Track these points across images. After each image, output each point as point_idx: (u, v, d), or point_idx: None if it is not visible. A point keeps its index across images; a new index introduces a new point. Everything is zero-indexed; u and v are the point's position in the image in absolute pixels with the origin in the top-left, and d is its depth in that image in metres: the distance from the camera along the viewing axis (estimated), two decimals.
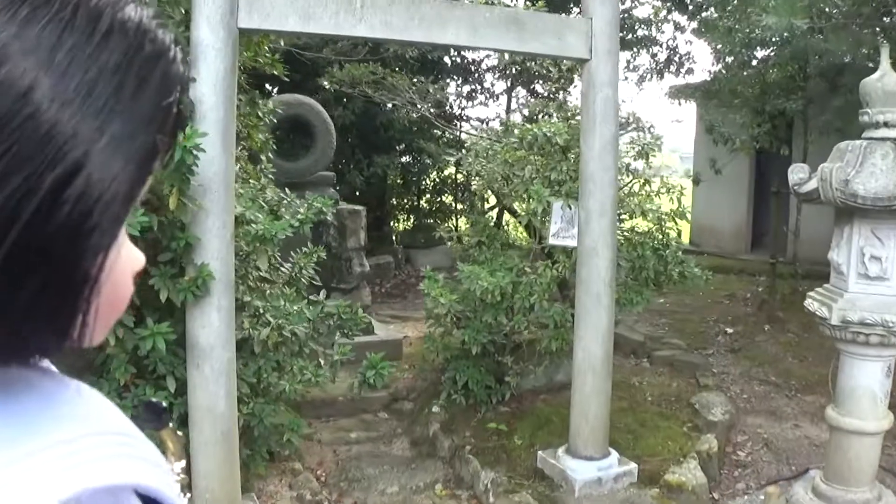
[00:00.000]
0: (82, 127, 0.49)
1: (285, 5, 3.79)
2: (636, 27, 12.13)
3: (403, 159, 12.74)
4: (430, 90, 8.45)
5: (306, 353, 4.64)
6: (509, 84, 12.93)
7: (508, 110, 12.75)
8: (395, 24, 3.99)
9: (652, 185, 5.29)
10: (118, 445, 0.55)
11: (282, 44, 6.56)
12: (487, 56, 12.61)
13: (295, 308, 4.24)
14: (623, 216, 5.12)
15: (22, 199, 0.47)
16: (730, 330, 8.01)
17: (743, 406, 6.06)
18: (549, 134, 4.86)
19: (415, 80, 9.31)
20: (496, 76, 13.07)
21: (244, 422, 4.20)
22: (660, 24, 12.23)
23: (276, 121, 5.45)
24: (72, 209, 0.49)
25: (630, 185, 5.26)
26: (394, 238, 12.85)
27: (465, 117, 13.15)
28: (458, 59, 12.87)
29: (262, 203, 4.44)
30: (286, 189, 7.18)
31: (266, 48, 5.07)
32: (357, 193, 11.81)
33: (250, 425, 4.25)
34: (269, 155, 5.44)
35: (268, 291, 4.54)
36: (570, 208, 4.73)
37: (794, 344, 7.47)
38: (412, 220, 13.53)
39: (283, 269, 4.86)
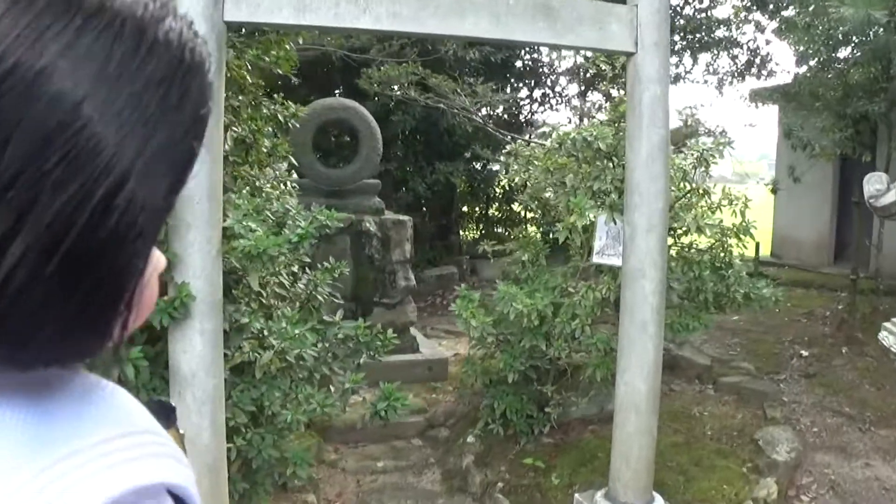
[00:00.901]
0: (130, 138, 0.49)
1: None
2: (714, 27, 11.15)
3: (472, 165, 12.09)
4: (479, 91, 7.79)
5: (317, 378, 4.10)
6: (582, 87, 12.18)
7: (582, 115, 11.99)
8: (405, 14, 3.41)
9: (712, 196, 4.51)
10: (150, 444, 0.56)
11: (296, 41, 5.99)
12: (563, 57, 11.89)
13: (296, 331, 3.69)
14: (679, 231, 4.36)
15: (77, 206, 0.47)
16: (805, 352, 7.06)
17: (812, 441, 5.20)
18: (589, 138, 4.16)
19: (472, 83, 8.71)
20: (569, 79, 12.34)
21: (241, 453, 3.69)
22: (740, 25, 11.22)
23: (297, 125, 4.93)
24: (121, 216, 0.49)
25: (687, 196, 4.49)
26: (461, 247, 12.23)
27: (535, 123, 12.42)
28: (530, 63, 12.18)
29: (269, 215, 3.92)
30: (329, 197, 6.72)
31: (287, 46, 4.56)
32: (421, 201, 11.28)
33: (249, 457, 3.73)
34: (293, 161, 4.94)
35: (280, 311, 4.02)
36: (615, 223, 4.03)
37: (872, 369, 6.49)
38: (480, 229, 12.87)
39: (299, 285, 4.33)
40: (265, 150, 4.20)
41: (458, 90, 7.57)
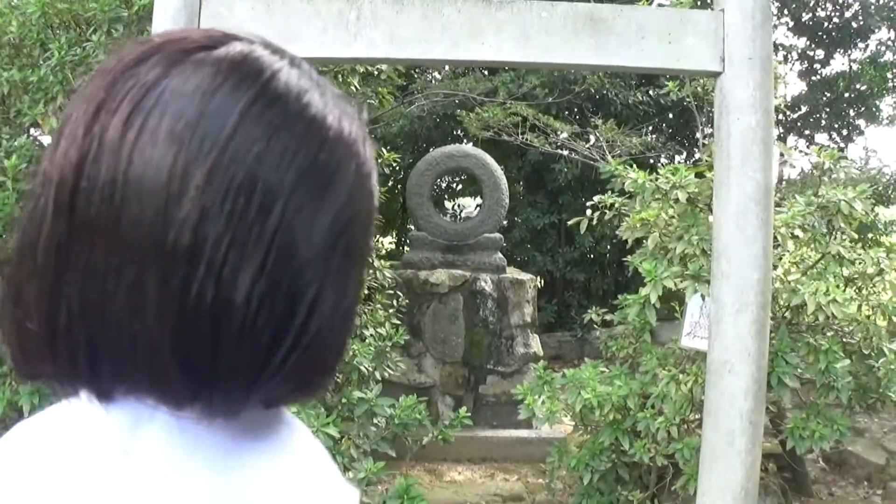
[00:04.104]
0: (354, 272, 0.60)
1: (259, 26, 2.77)
2: None
3: None
4: (580, 134, 6.76)
5: (341, 462, 3.48)
6: (782, 130, 10.59)
7: (783, 163, 10.39)
8: (405, 37, 2.77)
9: (859, 262, 3.26)
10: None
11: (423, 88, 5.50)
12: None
13: (293, 408, 3.10)
14: (802, 310, 3.17)
15: (353, 288, 0.60)
16: None
17: None
18: (664, 186, 3.18)
19: (638, 128, 7.73)
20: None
21: None
22: None
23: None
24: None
25: (819, 263, 3.28)
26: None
27: None
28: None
29: None
30: (446, 252, 6.13)
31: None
32: (592, 256, 10.33)
33: None
34: None
35: None
36: (703, 298, 3.04)
37: None
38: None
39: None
40: None
41: (596, 135, 6.68)
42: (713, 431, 2.84)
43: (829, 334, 3.24)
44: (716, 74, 2.81)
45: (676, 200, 3.20)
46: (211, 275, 0.51)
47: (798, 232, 3.60)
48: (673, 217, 3.37)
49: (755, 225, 2.77)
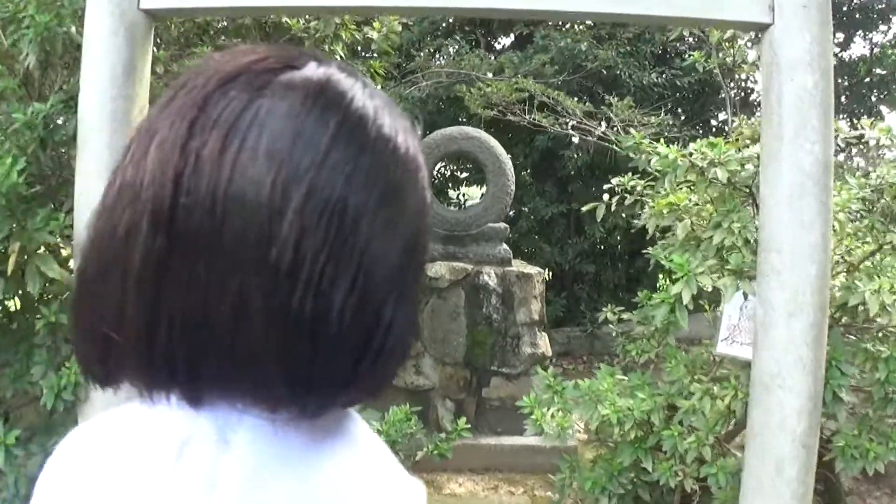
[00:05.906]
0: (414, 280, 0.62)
1: None
2: None
3: None
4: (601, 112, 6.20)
5: None
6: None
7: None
8: None
9: None
10: None
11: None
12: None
13: None
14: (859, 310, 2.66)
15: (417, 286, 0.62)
16: None
17: None
18: (699, 162, 2.67)
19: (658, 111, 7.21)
20: None
21: None
22: None
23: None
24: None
25: (877, 254, 2.78)
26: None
27: None
28: (744, 88, 10.22)
29: None
30: (446, 243, 5.64)
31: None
32: (603, 247, 9.83)
33: None
34: None
35: None
36: (745, 297, 2.54)
37: None
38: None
39: None
40: None
41: (612, 117, 6.16)
42: (758, 458, 2.36)
43: (891, 339, 2.76)
44: (764, 27, 2.31)
45: (714, 180, 2.70)
46: (311, 289, 0.52)
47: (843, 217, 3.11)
48: (702, 202, 2.86)
49: (813, 209, 2.28)
